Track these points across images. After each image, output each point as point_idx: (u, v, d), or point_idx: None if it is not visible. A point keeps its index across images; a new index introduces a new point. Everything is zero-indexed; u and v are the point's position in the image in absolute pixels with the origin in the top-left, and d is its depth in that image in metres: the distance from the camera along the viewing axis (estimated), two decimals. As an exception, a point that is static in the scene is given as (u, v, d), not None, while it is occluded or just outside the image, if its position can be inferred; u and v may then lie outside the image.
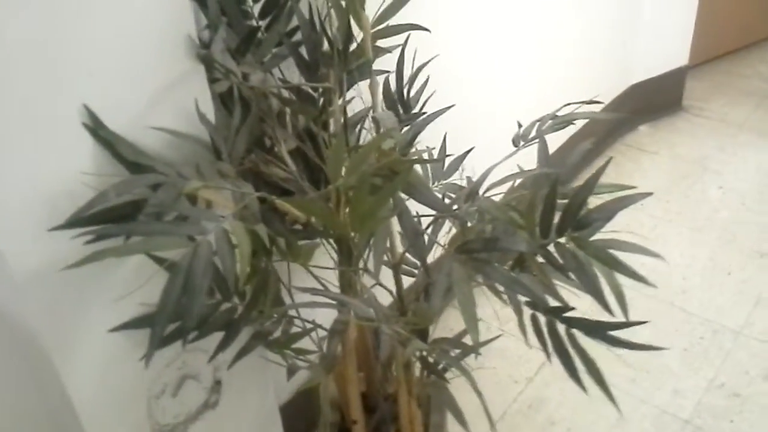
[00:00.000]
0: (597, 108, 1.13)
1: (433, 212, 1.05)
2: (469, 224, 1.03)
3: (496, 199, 1.03)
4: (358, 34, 1.03)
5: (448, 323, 1.63)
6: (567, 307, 0.97)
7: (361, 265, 1.07)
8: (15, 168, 0.75)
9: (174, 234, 0.75)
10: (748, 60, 2.90)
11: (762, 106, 2.62)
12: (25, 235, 0.78)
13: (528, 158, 1.10)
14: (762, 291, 1.81)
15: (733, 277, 1.87)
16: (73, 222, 0.76)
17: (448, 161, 1.23)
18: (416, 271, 1.19)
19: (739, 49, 2.95)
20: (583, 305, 0.97)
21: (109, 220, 0.78)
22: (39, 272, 0.80)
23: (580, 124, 2.08)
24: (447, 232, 1.08)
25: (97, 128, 0.79)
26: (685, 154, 2.39)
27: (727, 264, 1.91)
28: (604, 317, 0.95)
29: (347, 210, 0.98)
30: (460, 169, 1.17)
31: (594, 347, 0.97)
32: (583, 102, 1.11)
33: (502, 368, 1.63)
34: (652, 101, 2.53)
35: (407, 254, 1.14)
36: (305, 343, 1.09)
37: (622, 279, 0.96)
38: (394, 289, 1.13)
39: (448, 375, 1.15)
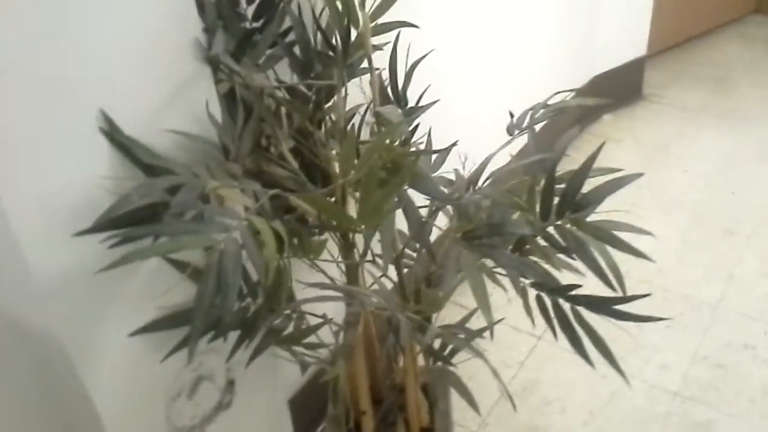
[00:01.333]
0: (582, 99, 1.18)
1: (426, 203, 1.08)
2: (470, 212, 1.06)
3: (495, 186, 1.06)
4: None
5: (441, 314, 1.66)
6: (572, 286, 1.01)
7: (367, 257, 1.09)
8: (34, 174, 0.75)
9: (200, 233, 0.76)
10: (700, 48, 3.02)
11: (717, 91, 2.73)
12: (45, 240, 0.78)
13: (510, 146, 1.13)
14: (733, 267, 1.89)
15: (706, 255, 1.94)
16: (99, 226, 0.76)
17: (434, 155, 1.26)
18: (412, 262, 1.22)
19: (692, 39, 3.07)
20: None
21: (130, 223, 0.79)
22: (60, 277, 0.80)
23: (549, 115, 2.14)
24: (448, 221, 1.11)
25: (113, 132, 0.80)
26: (649, 141, 2.47)
27: (699, 243, 1.99)
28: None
29: (354, 204, 1.00)
30: (463, 157, 1.19)
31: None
32: (565, 91, 1.16)
33: (493, 354, 1.65)
34: (614, 91, 2.61)
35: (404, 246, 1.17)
36: (312, 338, 1.11)
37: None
38: (395, 280, 1.15)
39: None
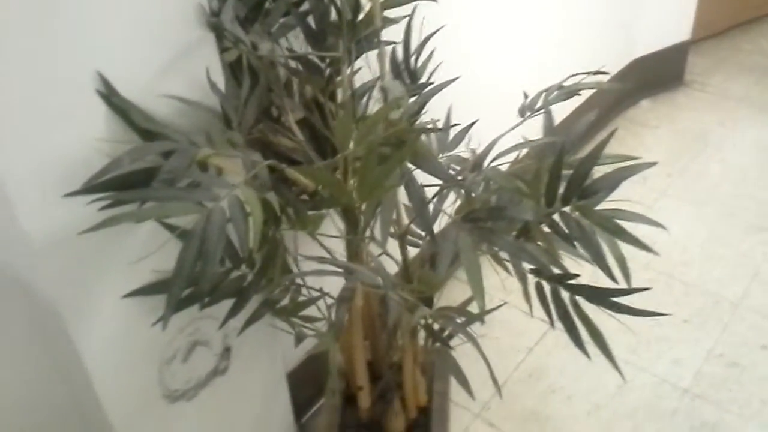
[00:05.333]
0: (601, 80, 1.14)
1: (439, 182, 1.06)
2: (474, 194, 1.05)
3: (502, 169, 1.04)
4: (365, 4, 1.03)
5: (453, 295, 1.65)
6: (571, 275, 0.98)
7: (368, 234, 1.08)
8: (30, 135, 0.76)
9: (187, 200, 0.76)
10: (749, 35, 2.90)
11: (762, 81, 2.62)
12: (40, 201, 0.79)
13: (532, 130, 1.11)
14: (760, 264, 1.83)
15: (733, 250, 1.89)
16: (88, 188, 0.77)
17: (452, 133, 1.24)
18: (421, 242, 1.20)
19: (741, 25, 2.95)
20: (584, 274, 0.99)
21: (123, 187, 0.79)
22: (54, 238, 0.81)
23: (583, 97, 2.09)
24: (453, 202, 1.09)
25: (110, 95, 0.80)
26: (687, 129, 2.40)
27: (727, 237, 1.93)
28: (604, 286, 0.97)
29: (355, 179, 0.99)
30: (467, 138, 1.18)
31: (595, 317, 0.99)
32: (588, 73, 1.12)
33: (503, 338, 1.66)
34: (654, 76, 2.53)
35: (412, 225, 1.15)
36: (312, 311, 1.11)
37: (623, 250, 0.98)
38: (399, 258, 1.14)
39: (452, 343, 1.17)
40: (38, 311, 0.89)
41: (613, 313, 0.97)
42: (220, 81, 0.93)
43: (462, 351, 1.16)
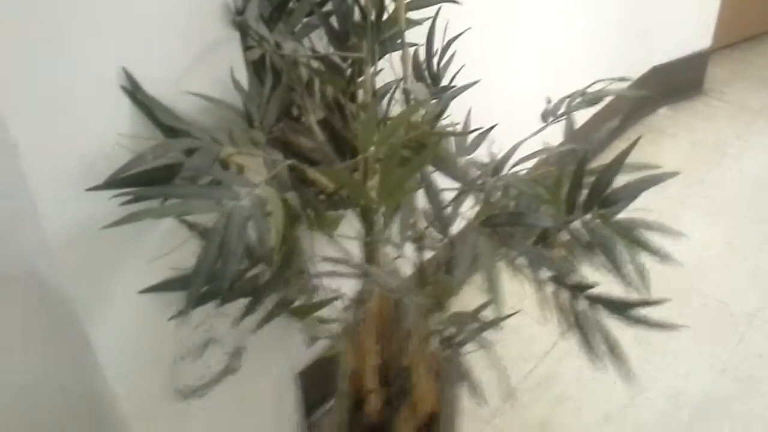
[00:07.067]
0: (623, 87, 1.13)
1: (457, 186, 1.05)
2: (492, 199, 1.04)
3: (521, 174, 1.03)
4: (389, 5, 1.03)
5: (464, 300, 1.64)
6: (590, 284, 0.97)
7: (385, 235, 1.07)
8: (53, 128, 0.76)
9: (209, 198, 0.76)
10: (769, 46, 2.88)
11: (783, 92, 2.60)
12: (61, 194, 0.79)
13: (552, 134, 1.10)
14: (776, 277, 1.82)
15: (749, 261, 1.87)
16: (111, 183, 0.77)
17: (471, 136, 1.23)
18: (437, 245, 1.20)
19: (762, 35, 2.92)
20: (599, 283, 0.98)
21: (144, 183, 0.79)
22: (73, 233, 0.81)
23: (602, 103, 2.09)
24: (471, 206, 1.08)
25: (135, 91, 0.80)
26: (704, 138, 2.38)
27: (743, 248, 1.91)
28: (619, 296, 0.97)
29: (375, 181, 0.98)
30: (488, 141, 1.17)
31: (607, 325, 0.98)
32: (612, 79, 1.11)
33: (513, 346, 1.65)
34: (673, 84, 2.51)
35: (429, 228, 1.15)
36: (325, 312, 1.10)
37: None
38: (414, 261, 1.14)
39: (463, 350, 1.17)
40: (54, 304, 0.89)
41: (632, 325, 0.96)
42: (243, 79, 0.93)
43: (472, 358, 1.16)
